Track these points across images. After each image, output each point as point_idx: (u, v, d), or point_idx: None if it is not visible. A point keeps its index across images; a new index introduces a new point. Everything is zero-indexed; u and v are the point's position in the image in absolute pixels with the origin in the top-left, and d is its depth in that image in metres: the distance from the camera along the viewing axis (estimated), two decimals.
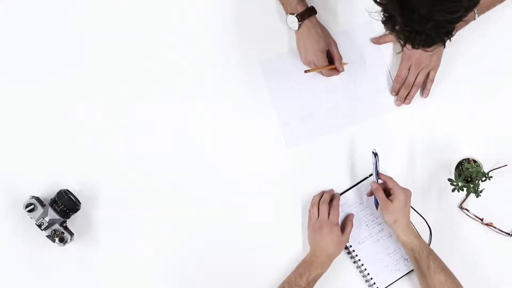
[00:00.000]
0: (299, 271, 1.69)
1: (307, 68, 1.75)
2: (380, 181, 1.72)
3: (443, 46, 1.34)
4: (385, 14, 1.31)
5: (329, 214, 1.72)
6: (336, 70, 1.76)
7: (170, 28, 1.81)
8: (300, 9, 1.70)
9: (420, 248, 1.67)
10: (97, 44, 1.81)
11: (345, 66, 1.78)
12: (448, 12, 1.25)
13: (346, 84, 1.80)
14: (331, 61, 1.76)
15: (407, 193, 1.69)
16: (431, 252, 1.67)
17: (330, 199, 1.75)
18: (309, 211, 1.76)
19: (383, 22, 1.32)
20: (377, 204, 1.72)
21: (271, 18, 1.77)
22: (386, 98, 1.81)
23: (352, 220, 1.75)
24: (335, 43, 1.75)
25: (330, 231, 1.70)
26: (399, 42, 1.34)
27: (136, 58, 1.81)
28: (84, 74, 1.81)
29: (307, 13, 1.71)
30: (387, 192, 1.70)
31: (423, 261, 1.66)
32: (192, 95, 1.80)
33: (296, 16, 1.70)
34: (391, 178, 1.71)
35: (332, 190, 1.78)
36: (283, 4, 1.73)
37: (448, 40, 1.33)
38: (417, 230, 1.74)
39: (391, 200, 1.68)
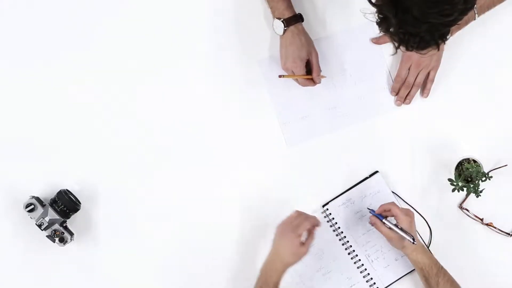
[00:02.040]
0: (259, 285, 1.62)
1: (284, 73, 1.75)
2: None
3: (437, 49, 1.33)
4: (380, 16, 1.31)
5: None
6: (313, 81, 1.75)
7: (169, 28, 1.81)
8: (287, 14, 1.70)
9: (429, 267, 1.65)
10: (97, 44, 1.81)
11: (346, 65, 1.79)
12: (442, 14, 1.25)
13: (346, 84, 1.80)
14: (310, 72, 1.75)
15: (409, 215, 1.66)
16: (440, 269, 1.66)
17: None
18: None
19: (377, 23, 1.32)
20: (376, 215, 1.69)
21: (271, 18, 1.76)
22: (386, 98, 1.81)
23: (314, 232, 1.67)
24: (317, 54, 1.74)
25: (290, 241, 1.62)
26: (393, 44, 1.34)
27: (136, 59, 1.81)
28: (84, 74, 1.81)
29: (293, 20, 1.70)
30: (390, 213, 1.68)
31: (432, 279, 1.65)
32: (191, 95, 1.80)
33: (282, 21, 1.70)
34: (393, 204, 1.68)
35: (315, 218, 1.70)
36: (271, 8, 1.73)
37: (443, 43, 1.33)
38: (418, 231, 1.75)
39: (394, 231, 1.65)
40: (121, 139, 1.80)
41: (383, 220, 1.67)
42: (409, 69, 1.76)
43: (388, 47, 1.80)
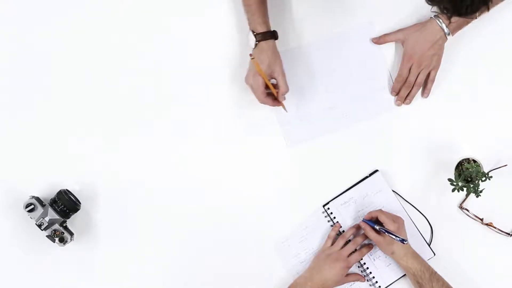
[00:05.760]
0: None
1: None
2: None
3: (487, 10, 1.35)
4: None
5: (351, 252, 1.73)
6: (272, 100, 1.71)
7: (170, 29, 1.81)
8: (259, 29, 1.69)
9: (421, 272, 1.66)
10: (98, 45, 1.81)
11: (346, 65, 1.78)
12: None
13: (346, 84, 1.80)
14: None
15: (398, 222, 1.68)
16: (433, 274, 1.66)
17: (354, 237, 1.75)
18: (330, 236, 1.76)
19: None
20: (367, 221, 1.72)
21: (270, 19, 1.76)
22: (386, 98, 1.81)
23: (360, 277, 1.75)
24: (282, 74, 1.70)
25: (342, 269, 1.69)
26: (445, 13, 1.35)
27: (134, 59, 1.81)
28: (83, 74, 1.81)
29: (263, 36, 1.69)
30: (380, 222, 1.70)
31: (426, 284, 1.65)
32: (191, 95, 1.80)
33: (254, 35, 1.69)
34: (380, 211, 1.71)
35: (355, 230, 1.76)
36: (248, 19, 1.72)
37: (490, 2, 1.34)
38: (419, 229, 1.75)
39: (383, 236, 1.68)
40: (121, 139, 1.80)
41: (375, 226, 1.68)
42: (410, 69, 1.76)
43: (388, 47, 1.80)
